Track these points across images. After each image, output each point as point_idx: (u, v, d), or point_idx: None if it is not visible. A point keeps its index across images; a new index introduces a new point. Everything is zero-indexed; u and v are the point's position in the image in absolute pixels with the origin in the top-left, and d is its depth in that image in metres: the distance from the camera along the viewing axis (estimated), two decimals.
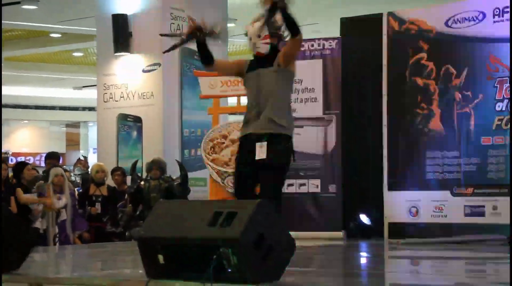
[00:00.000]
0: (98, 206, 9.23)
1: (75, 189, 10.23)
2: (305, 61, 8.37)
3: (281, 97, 5.28)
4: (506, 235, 7.27)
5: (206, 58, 5.38)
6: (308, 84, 8.39)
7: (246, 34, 5.35)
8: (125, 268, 5.70)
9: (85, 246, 8.50)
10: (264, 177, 5.15)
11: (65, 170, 12.42)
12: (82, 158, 14.42)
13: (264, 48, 5.29)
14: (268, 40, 5.29)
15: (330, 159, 8.27)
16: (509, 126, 7.38)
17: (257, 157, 5.14)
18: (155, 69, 10.71)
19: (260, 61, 5.32)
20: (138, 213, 8.77)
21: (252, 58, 5.41)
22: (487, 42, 7.58)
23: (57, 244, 8.55)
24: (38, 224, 8.54)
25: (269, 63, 5.29)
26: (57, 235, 8.63)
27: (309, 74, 8.38)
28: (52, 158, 10.17)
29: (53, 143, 25.40)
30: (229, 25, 12.02)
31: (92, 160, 17.09)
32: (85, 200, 9.32)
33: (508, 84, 7.44)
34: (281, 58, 5.25)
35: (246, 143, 5.23)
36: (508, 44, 7.40)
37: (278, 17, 5.20)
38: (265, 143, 5.13)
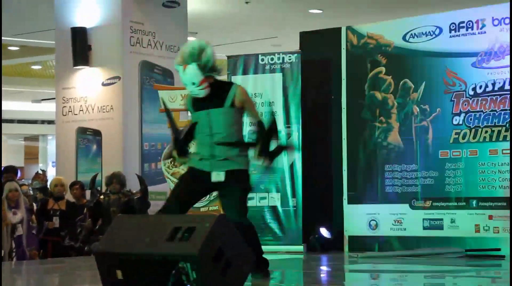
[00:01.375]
0: (56, 220, 9.12)
1: (33, 203, 10.11)
2: (265, 74, 8.41)
3: (234, 134, 5.08)
4: (464, 248, 7.36)
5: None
6: (268, 97, 8.41)
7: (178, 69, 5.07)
8: (83, 284, 5.63)
9: (43, 261, 8.39)
10: (225, 201, 5.09)
11: (23, 184, 12.32)
12: (40, 171, 14.24)
13: (204, 92, 5.05)
14: (205, 84, 5.03)
15: (290, 172, 8.28)
16: (468, 139, 7.49)
17: (214, 179, 5.03)
18: (114, 83, 10.64)
19: (208, 98, 5.07)
20: (97, 227, 8.69)
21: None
22: (443, 57, 7.68)
23: (14, 259, 8.43)
24: None
25: (218, 99, 5.05)
26: (14, 251, 8.51)
27: (269, 88, 8.41)
28: (9, 172, 10.03)
29: (11, 156, 25.05)
30: (189, 38, 12.01)
31: (51, 173, 16.91)
32: (43, 214, 9.21)
33: (465, 98, 7.54)
34: (239, 104, 5.06)
35: (198, 174, 5.08)
36: (464, 58, 7.54)
37: (206, 54, 4.99)
38: (222, 173, 5.02)
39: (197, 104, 5.13)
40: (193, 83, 5.00)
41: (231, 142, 5.06)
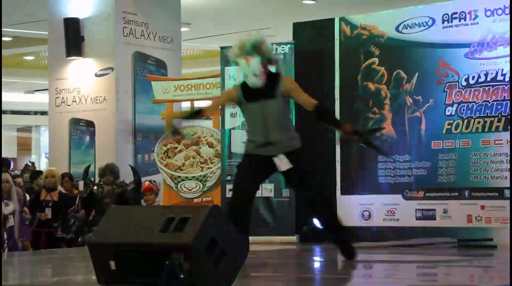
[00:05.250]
0: (48, 211, 9.12)
1: (26, 194, 10.10)
2: None
3: (286, 120, 5.61)
4: (457, 238, 7.39)
5: (197, 115, 5.73)
6: None
7: (235, 63, 5.55)
8: (77, 275, 5.64)
9: (35, 252, 8.39)
10: (307, 180, 5.57)
11: (17, 176, 12.31)
12: (29, 164, 14.15)
13: (261, 82, 5.47)
14: (264, 75, 5.47)
15: None
16: (459, 130, 7.52)
17: (283, 169, 5.46)
18: (107, 73, 10.64)
19: (260, 90, 5.47)
20: (91, 218, 8.70)
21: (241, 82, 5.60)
22: (436, 48, 7.68)
23: (5, 250, 8.43)
24: None
25: (270, 91, 5.46)
26: (5, 242, 8.51)
27: None
28: (2, 164, 10.01)
29: (4, 147, 25.00)
30: (182, 29, 12.00)
31: (44, 165, 16.90)
32: (35, 205, 9.21)
33: (457, 89, 7.56)
34: (288, 93, 5.52)
35: (255, 158, 5.49)
36: (456, 49, 7.55)
37: (265, 47, 5.46)
38: (282, 155, 5.45)
39: (248, 94, 5.50)
40: (255, 75, 5.40)
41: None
